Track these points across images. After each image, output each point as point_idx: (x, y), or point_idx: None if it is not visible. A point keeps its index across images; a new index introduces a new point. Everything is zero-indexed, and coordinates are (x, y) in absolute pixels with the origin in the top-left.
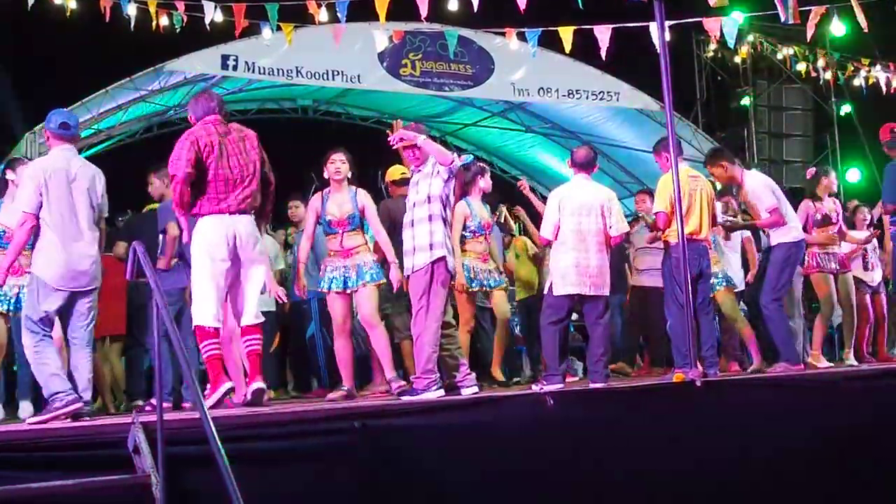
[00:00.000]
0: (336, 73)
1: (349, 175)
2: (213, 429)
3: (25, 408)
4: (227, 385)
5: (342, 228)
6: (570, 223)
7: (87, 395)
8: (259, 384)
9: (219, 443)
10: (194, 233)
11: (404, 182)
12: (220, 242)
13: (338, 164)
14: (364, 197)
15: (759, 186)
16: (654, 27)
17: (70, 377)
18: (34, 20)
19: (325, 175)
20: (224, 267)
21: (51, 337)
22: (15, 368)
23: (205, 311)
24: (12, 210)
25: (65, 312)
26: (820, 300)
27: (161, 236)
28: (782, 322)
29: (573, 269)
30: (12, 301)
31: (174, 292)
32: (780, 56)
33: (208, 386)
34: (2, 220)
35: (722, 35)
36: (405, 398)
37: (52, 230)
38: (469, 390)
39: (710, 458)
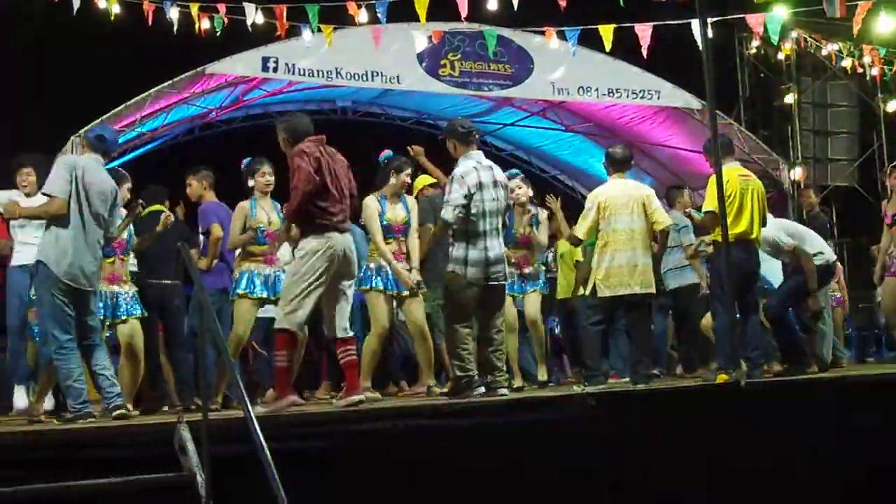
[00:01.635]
0: (375, 73)
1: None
2: (258, 428)
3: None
4: (292, 399)
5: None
6: (615, 223)
7: (116, 390)
8: (358, 396)
9: (263, 442)
10: (304, 244)
11: (434, 185)
12: (331, 257)
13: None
14: (411, 202)
15: (774, 234)
16: (696, 24)
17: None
18: (80, 24)
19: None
20: (329, 281)
21: (70, 340)
22: None
23: (299, 317)
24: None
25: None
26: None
27: (203, 237)
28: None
29: (620, 270)
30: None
31: (214, 293)
32: (824, 52)
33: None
34: None
35: (765, 31)
36: (443, 399)
37: (69, 224)
38: (500, 391)
39: (755, 459)
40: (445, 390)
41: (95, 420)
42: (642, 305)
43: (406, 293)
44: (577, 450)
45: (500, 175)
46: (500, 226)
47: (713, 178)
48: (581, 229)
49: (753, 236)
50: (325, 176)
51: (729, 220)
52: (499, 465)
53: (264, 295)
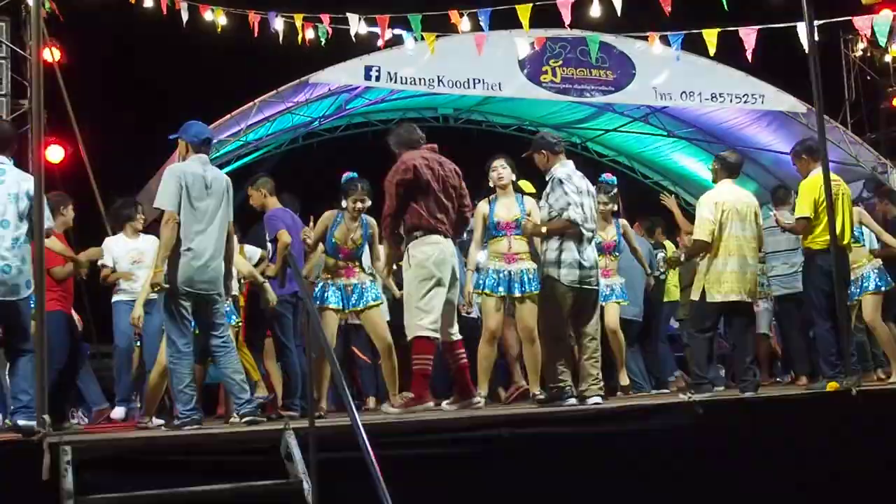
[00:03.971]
0: (477, 81)
1: (513, 179)
2: (365, 435)
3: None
4: (428, 403)
5: (509, 231)
6: (729, 228)
7: (246, 396)
8: (477, 399)
9: (370, 449)
10: (416, 251)
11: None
12: (438, 261)
13: (499, 171)
14: (530, 203)
15: None
16: (802, 27)
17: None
18: (187, 36)
19: (490, 183)
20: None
21: (181, 349)
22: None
23: (426, 322)
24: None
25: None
26: None
27: (270, 244)
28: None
29: (732, 275)
30: None
31: (290, 297)
32: None
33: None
34: None
35: (873, 33)
36: (544, 407)
37: (182, 232)
38: (591, 400)
39: (867, 467)
40: (541, 398)
41: (202, 426)
42: (747, 313)
43: (517, 296)
44: (685, 457)
45: (588, 184)
46: (594, 232)
47: (805, 184)
48: (705, 232)
49: (845, 242)
50: (432, 182)
51: (820, 227)
52: (606, 473)
53: (339, 306)
